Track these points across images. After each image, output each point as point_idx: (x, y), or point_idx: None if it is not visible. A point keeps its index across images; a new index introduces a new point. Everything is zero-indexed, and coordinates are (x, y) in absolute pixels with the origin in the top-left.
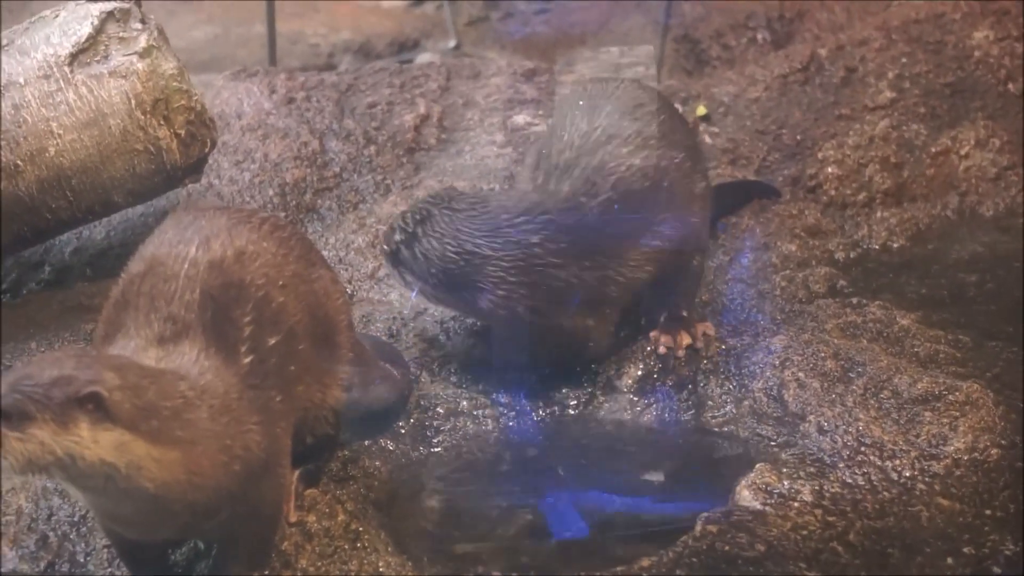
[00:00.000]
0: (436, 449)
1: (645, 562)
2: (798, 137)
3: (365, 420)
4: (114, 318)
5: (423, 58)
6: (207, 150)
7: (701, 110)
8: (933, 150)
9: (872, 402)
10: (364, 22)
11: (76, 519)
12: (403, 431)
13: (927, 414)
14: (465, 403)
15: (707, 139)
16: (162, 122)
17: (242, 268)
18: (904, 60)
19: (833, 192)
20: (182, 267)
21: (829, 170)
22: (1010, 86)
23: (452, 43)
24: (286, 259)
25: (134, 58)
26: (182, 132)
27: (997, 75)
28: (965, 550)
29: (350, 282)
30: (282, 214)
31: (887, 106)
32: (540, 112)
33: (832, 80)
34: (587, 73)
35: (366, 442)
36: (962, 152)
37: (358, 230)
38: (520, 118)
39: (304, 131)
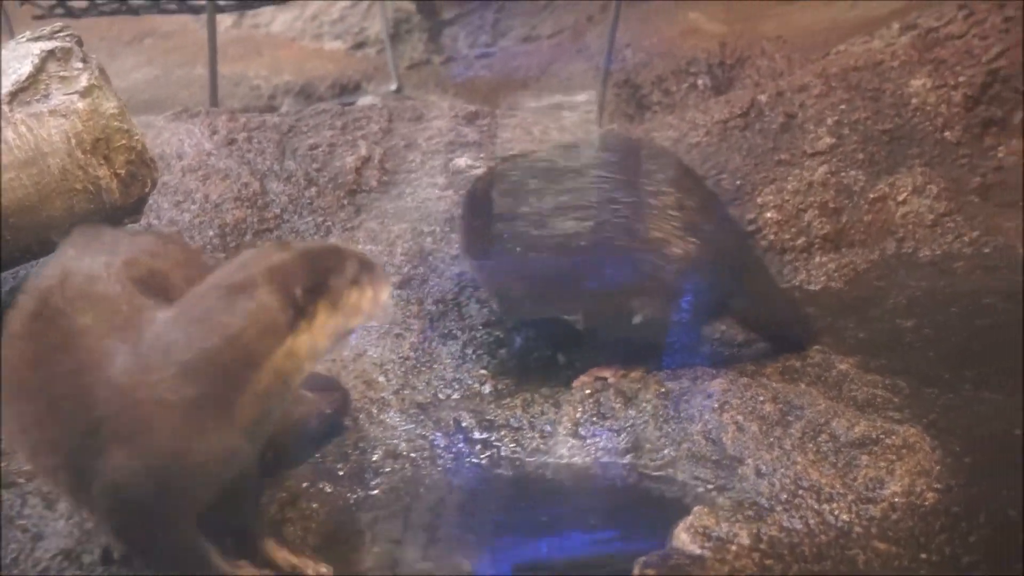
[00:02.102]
0: (374, 492)
1: None
2: (738, 182)
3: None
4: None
5: (364, 100)
6: (147, 190)
7: None
8: (871, 196)
9: (810, 446)
10: (306, 65)
11: None
12: (341, 473)
13: (864, 458)
14: (404, 445)
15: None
16: (102, 162)
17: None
18: (843, 107)
19: (772, 237)
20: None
21: (768, 215)
22: (947, 134)
23: (394, 86)
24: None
25: (75, 97)
26: (122, 172)
27: (934, 123)
28: None
29: None
30: (222, 255)
31: (826, 152)
32: (482, 155)
33: (772, 126)
34: (529, 117)
35: (304, 484)
36: (900, 198)
37: None
38: (462, 161)
39: (245, 172)
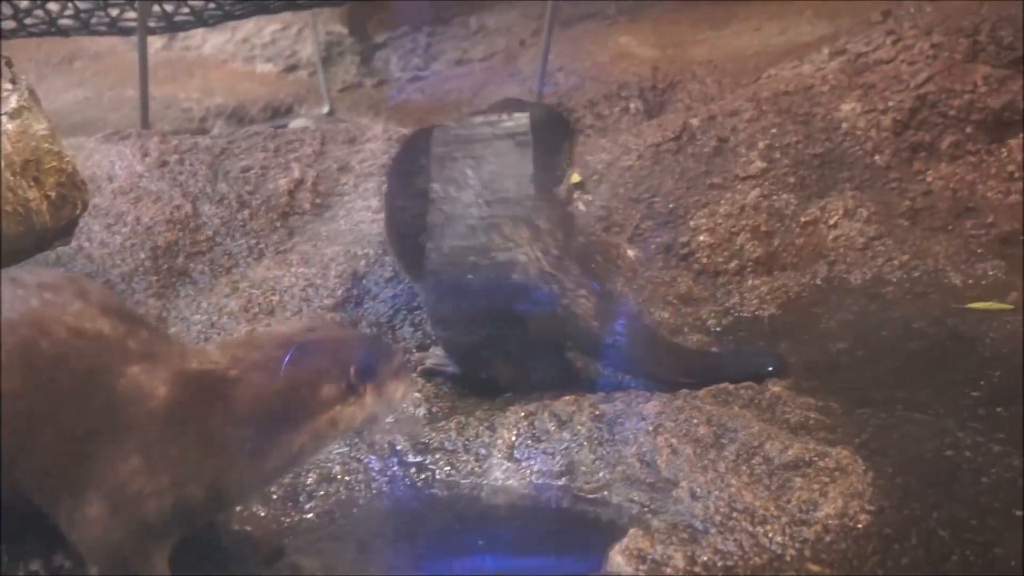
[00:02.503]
0: (308, 515)
1: None
2: (671, 205)
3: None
4: None
5: (297, 123)
6: (78, 212)
7: (575, 177)
8: (803, 219)
9: (744, 468)
10: (237, 87)
11: None
12: (275, 496)
13: (798, 480)
14: (338, 468)
15: (581, 207)
16: (32, 183)
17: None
18: (774, 131)
19: (705, 260)
20: None
21: (701, 238)
22: (876, 158)
23: (326, 109)
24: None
25: (4, 119)
26: (52, 194)
27: (864, 147)
28: None
29: None
30: (153, 278)
31: (758, 176)
32: None
33: (704, 150)
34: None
35: (236, 507)
36: (831, 222)
37: (231, 294)
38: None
39: (177, 194)
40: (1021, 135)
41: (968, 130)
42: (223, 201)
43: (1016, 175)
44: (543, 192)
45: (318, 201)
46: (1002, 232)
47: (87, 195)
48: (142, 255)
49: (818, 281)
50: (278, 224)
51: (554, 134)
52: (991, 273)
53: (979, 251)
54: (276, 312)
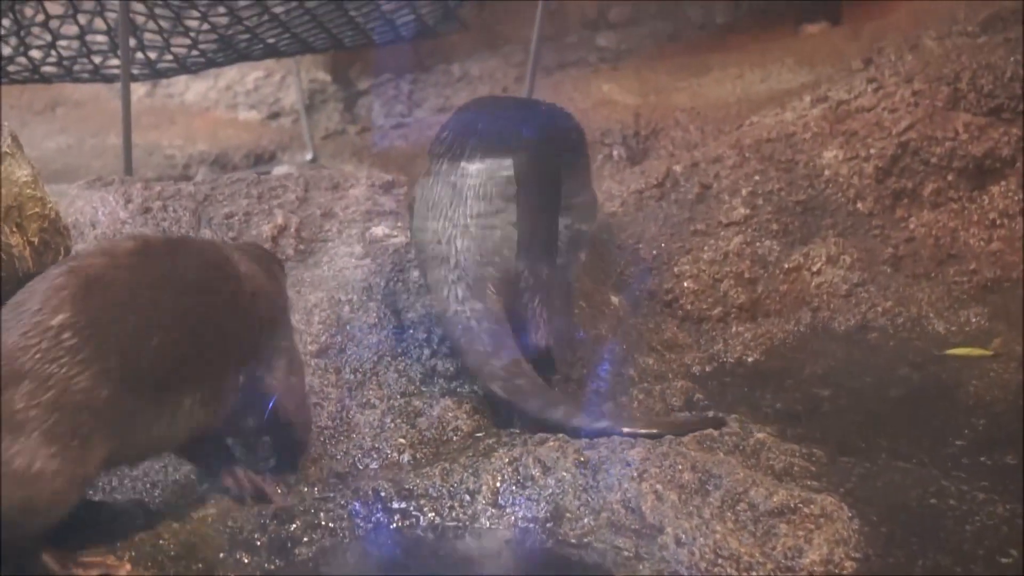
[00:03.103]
0: (292, 562)
1: None
2: (654, 252)
3: None
4: None
5: (280, 170)
6: (60, 258)
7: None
8: (786, 266)
9: (729, 514)
10: (220, 134)
11: None
12: (259, 543)
13: (783, 526)
14: (322, 515)
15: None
16: (15, 229)
17: None
18: (757, 177)
19: (689, 306)
20: None
21: (685, 285)
22: (859, 205)
23: (309, 156)
24: None
25: None
26: (35, 240)
27: (846, 194)
28: None
29: None
30: None
31: (741, 222)
32: (399, 224)
33: (687, 196)
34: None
35: (220, 554)
36: (814, 268)
37: None
38: (379, 230)
39: None
40: (1002, 182)
41: (950, 177)
42: None
43: (998, 222)
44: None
45: (301, 247)
46: (984, 279)
47: (70, 241)
48: None
49: (802, 327)
50: None
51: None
52: (974, 320)
53: (962, 298)
54: None
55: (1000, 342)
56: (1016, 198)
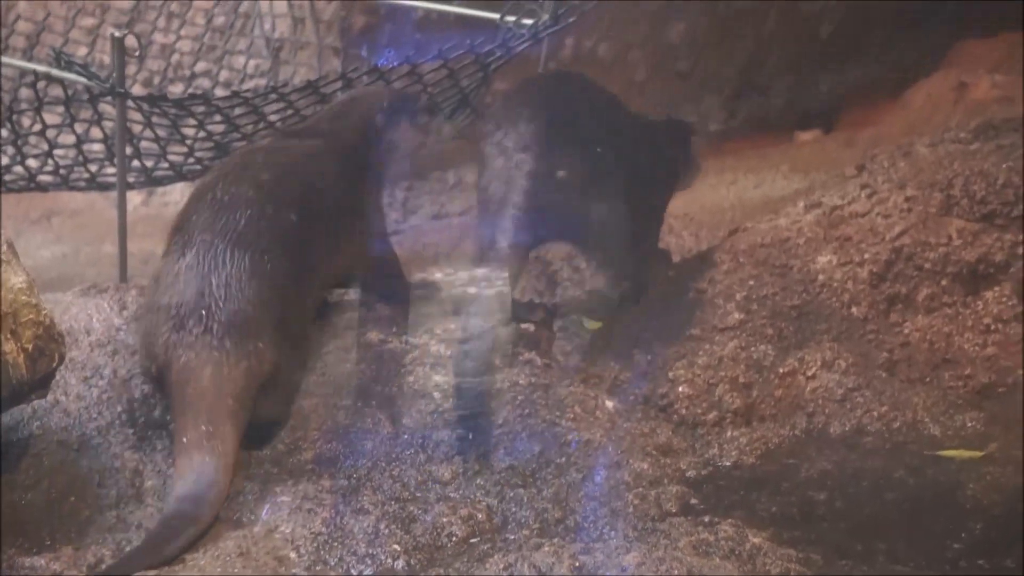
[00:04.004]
0: None
1: None
2: (649, 356)
3: None
4: None
5: None
6: (55, 365)
7: (595, 324)
8: (781, 371)
9: None
10: None
11: None
12: None
13: None
14: None
15: (559, 358)
16: (9, 336)
17: None
18: (751, 282)
19: (684, 411)
20: None
21: (680, 389)
22: (853, 309)
23: None
24: None
25: None
26: (29, 347)
27: (841, 299)
28: None
29: None
30: (130, 431)
31: (736, 327)
32: (394, 329)
33: (682, 301)
34: (443, 289)
35: None
36: (809, 373)
37: None
38: (374, 335)
39: None
40: (996, 288)
41: (944, 282)
42: None
43: (992, 327)
44: None
45: None
46: (980, 384)
47: (64, 348)
48: (119, 408)
49: (797, 432)
50: None
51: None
52: (970, 425)
53: (958, 403)
54: (253, 465)
55: (996, 447)
56: (1010, 304)
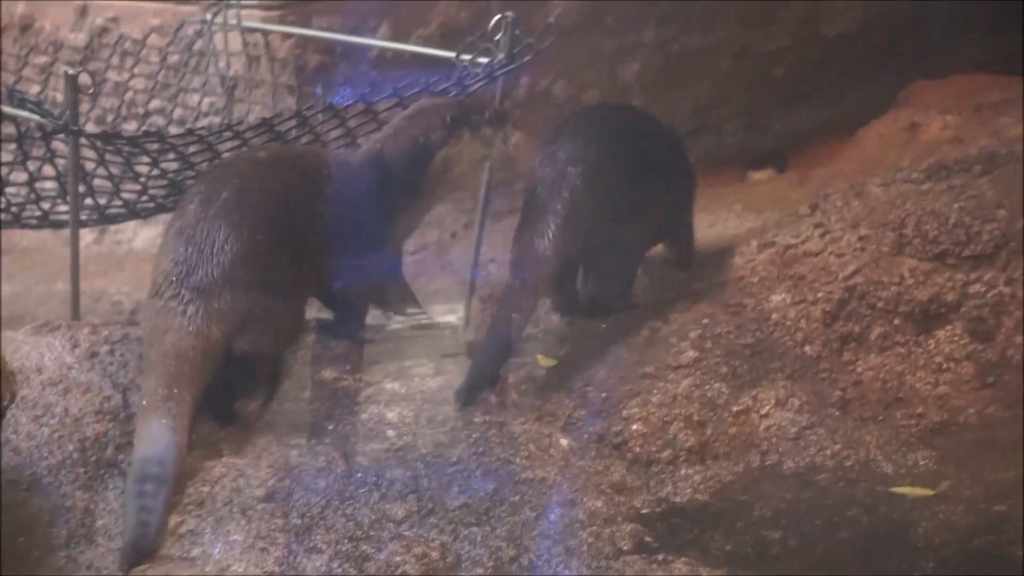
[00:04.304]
0: None
1: None
2: (603, 394)
3: None
4: None
5: None
6: (5, 404)
7: (549, 362)
8: (735, 409)
9: None
10: None
11: None
12: None
13: None
14: None
15: (514, 395)
16: None
17: None
18: (706, 321)
19: (638, 449)
20: None
21: (634, 427)
22: (807, 348)
23: None
24: None
25: None
26: None
27: (794, 337)
28: None
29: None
30: (81, 470)
31: (690, 365)
32: (347, 367)
33: (636, 339)
34: (399, 325)
35: None
36: (763, 411)
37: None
38: (328, 372)
39: (107, 385)
40: (948, 327)
41: (896, 322)
42: None
43: (944, 366)
44: None
45: None
46: (931, 422)
47: (15, 386)
48: (70, 447)
49: (751, 470)
50: (206, 418)
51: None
52: (922, 463)
53: (910, 441)
54: (206, 503)
55: (948, 485)
56: (962, 343)
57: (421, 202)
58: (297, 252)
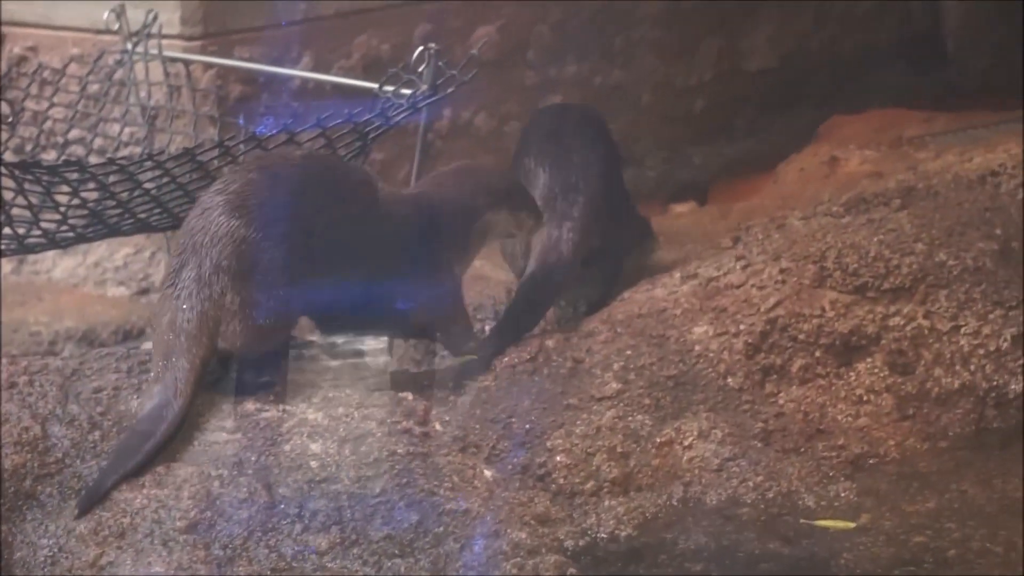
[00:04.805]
0: None
1: None
2: (527, 426)
3: None
4: None
5: (150, 345)
6: None
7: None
8: (658, 440)
9: None
10: (88, 310)
11: None
12: None
13: None
14: None
15: (438, 427)
16: None
17: None
18: (629, 352)
19: (562, 480)
20: None
21: (558, 459)
22: (729, 380)
23: None
24: None
25: None
26: None
27: (717, 369)
28: None
29: (70, 571)
30: None
31: (613, 396)
32: (271, 397)
33: (560, 371)
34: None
35: None
36: (686, 443)
37: (80, 517)
38: (250, 404)
39: (26, 416)
40: (868, 359)
41: (817, 354)
42: (74, 422)
43: (864, 398)
44: None
45: None
46: (852, 454)
47: None
48: None
49: (674, 502)
50: None
51: None
52: (843, 495)
53: (831, 473)
54: (127, 534)
55: (868, 517)
56: (882, 375)
57: (463, 256)
58: (304, 260)
